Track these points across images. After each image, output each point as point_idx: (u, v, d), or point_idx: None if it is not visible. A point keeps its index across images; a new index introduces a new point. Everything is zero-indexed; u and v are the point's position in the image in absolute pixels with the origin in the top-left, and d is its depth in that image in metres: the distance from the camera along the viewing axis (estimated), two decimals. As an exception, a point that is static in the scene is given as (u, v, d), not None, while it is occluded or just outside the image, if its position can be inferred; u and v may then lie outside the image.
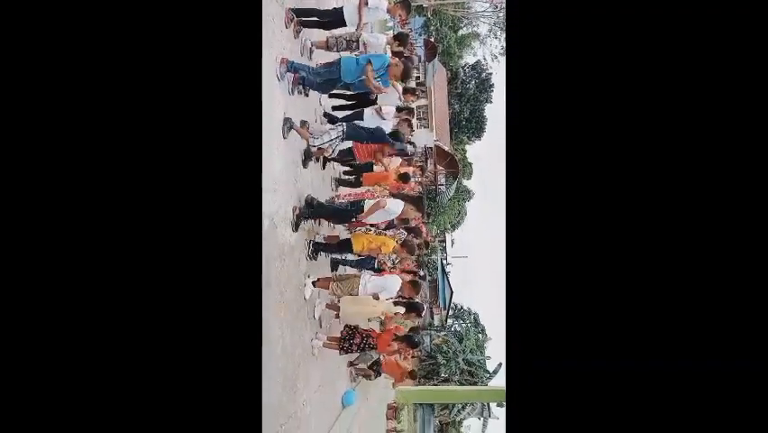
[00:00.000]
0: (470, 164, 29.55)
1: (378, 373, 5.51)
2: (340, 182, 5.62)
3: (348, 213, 4.11)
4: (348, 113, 4.90)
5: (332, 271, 5.16)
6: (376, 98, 4.59)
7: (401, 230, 4.72)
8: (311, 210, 4.06)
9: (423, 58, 19.04)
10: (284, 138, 3.73)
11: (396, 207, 3.96)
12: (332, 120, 4.83)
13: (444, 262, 25.64)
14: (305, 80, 3.82)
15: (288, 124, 3.74)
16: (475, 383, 19.16)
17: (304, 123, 4.13)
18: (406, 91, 4.89)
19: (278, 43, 3.74)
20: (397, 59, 3.90)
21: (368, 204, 3.98)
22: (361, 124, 4.19)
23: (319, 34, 4.76)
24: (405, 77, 3.93)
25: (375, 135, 4.11)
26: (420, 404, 16.94)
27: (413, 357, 4.99)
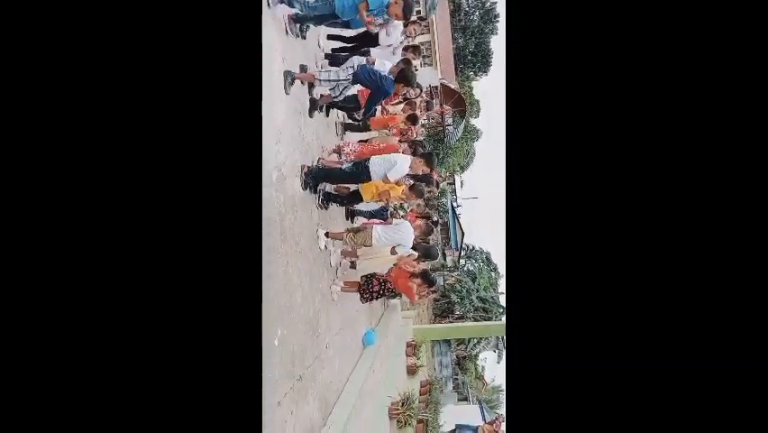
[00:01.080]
0: (478, 101, 28.65)
1: (392, 294, 5.52)
2: (346, 126, 5.49)
3: (356, 175, 3.97)
4: (349, 52, 4.68)
5: (346, 219, 5.18)
6: (377, 35, 4.35)
7: (408, 179, 4.64)
8: (316, 178, 3.94)
9: (423, -11, 17.91)
10: (286, 93, 3.59)
11: (404, 163, 3.84)
12: (334, 61, 4.62)
13: (455, 204, 25.66)
14: (298, 16, 3.61)
15: (289, 78, 3.59)
16: (489, 319, 19.86)
17: (303, 67, 3.97)
18: (406, 24, 4.61)
19: (270, -18, 3.50)
20: (396, 1, 3.63)
21: (373, 163, 3.84)
22: (374, 68, 3.96)
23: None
24: (406, 16, 3.68)
25: (384, 87, 3.89)
26: (437, 340, 17.70)
27: (429, 295, 5.06)
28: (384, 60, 4.16)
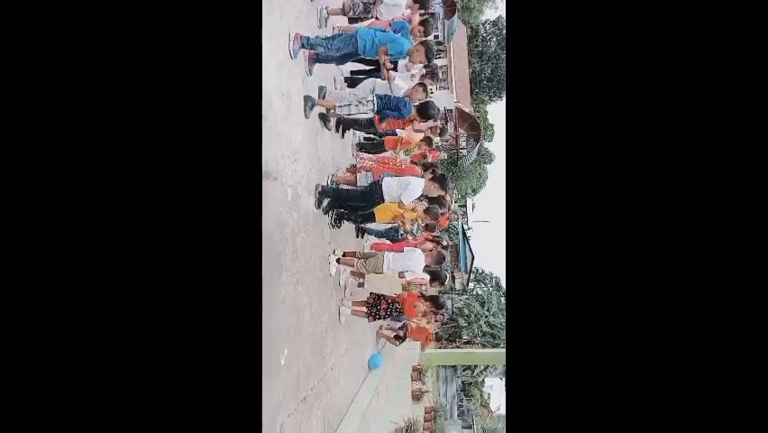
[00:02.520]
0: (492, 125, 28.81)
1: (403, 339, 5.62)
2: (361, 146, 5.54)
3: (369, 196, 3.98)
4: (367, 75, 4.76)
5: (356, 236, 5.19)
6: (396, 63, 4.43)
7: (422, 200, 4.65)
8: (331, 201, 3.96)
9: (441, 15, 18.25)
10: (306, 117, 3.66)
11: (418, 187, 3.85)
12: (353, 83, 4.70)
13: (465, 226, 25.55)
14: (319, 56, 3.70)
15: (309, 103, 3.67)
16: (497, 345, 19.51)
17: (321, 89, 4.04)
18: (423, 76, 4.69)
19: (294, 8, 3.61)
20: (420, 47, 3.72)
21: (387, 184, 3.86)
22: (391, 94, 4.04)
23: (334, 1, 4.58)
24: (429, 60, 3.78)
25: (403, 111, 3.97)
26: (443, 366, 17.40)
27: (436, 321, 5.03)
28: (401, 83, 4.22)
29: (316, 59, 3.74)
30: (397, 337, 5.67)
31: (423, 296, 4.70)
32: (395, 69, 4.10)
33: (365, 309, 4.57)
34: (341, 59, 3.83)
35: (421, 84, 4.34)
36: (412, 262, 4.24)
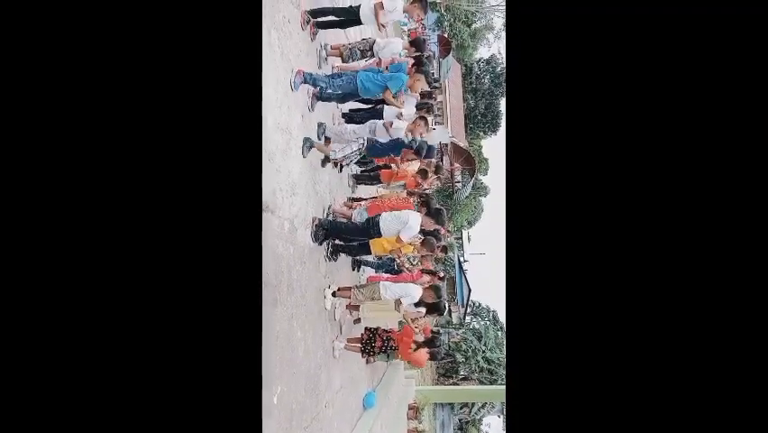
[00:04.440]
0: (486, 160, 29.26)
1: (393, 351, 5.34)
2: (357, 179, 5.59)
3: (365, 231, 4.00)
4: (365, 112, 4.87)
5: (353, 270, 5.15)
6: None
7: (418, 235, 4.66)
8: (327, 232, 3.98)
9: (437, 54, 18.89)
10: (303, 157, 3.73)
11: (416, 222, 3.87)
12: (350, 120, 4.81)
13: (462, 259, 25.48)
14: (322, 93, 3.82)
15: (307, 144, 3.75)
16: (495, 381, 19.05)
17: (321, 125, 4.12)
18: (423, 96, 4.83)
19: (295, 46, 3.74)
20: (418, 75, 3.87)
21: (384, 220, 3.89)
22: (379, 138, 4.16)
23: (335, 36, 4.74)
24: (429, 85, 3.93)
25: (394, 149, 4.08)
26: (440, 403, 16.91)
27: (431, 359, 4.89)
28: (399, 122, 4.32)
29: (319, 96, 3.85)
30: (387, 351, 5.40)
31: (418, 344, 4.58)
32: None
33: (359, 345, 4.49)
34: (341, 98, 3.95)
35: (422, 117, 4.43)
36: (407, 291, 4.22)
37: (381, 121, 4.34)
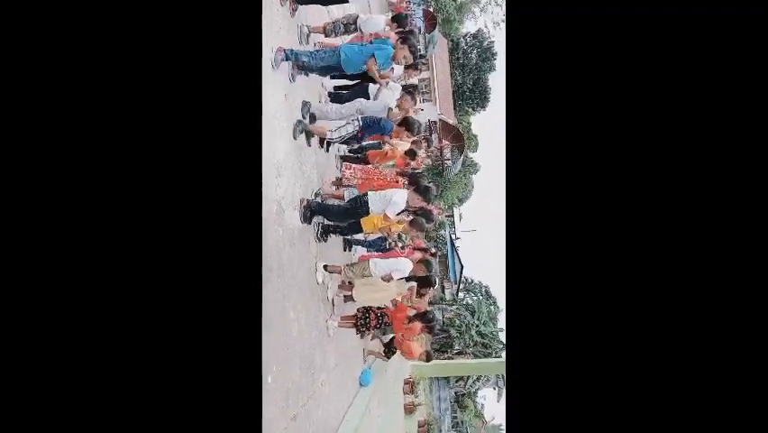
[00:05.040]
0: (476, 136, 29.16)
1: (393, 352, 5.57)
2: (345, 159, 5.55)
3: (354, 211, 3.99)
4: (350, 89, 4.79)
5: (344, 250, 5.16)
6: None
7: (408, 214, 4.66)
8: (315, 212, 3.96)
9: (422, 29, 18.55)
10: (294, 139, 3.67)
11: (401, 199, 3.86)
12: (336, 99, 4.73)
13: (453, 236, 25.65)
14: (306, 65, 3.73)
15: (300, 127, 3.69)
16: (489, 355, 19.46)
17: (305, 104, 4.05)
18: (407, 67, 4.76)
19: (275, 23, 3.63)
20: (402, 45, 3.78)
21: (372, 198, 3.87)
22: (374, 115, 4.09)
23: (318, 15, 4.62)
24: (414, 55, 3.84)
25: (386, 128, 4.03)
26: (435, 378, 17.26)
27: (428, 333, 4.98)
28: (389, 93, 4.26)
29: (301, 67, 3.76)
30: (386, 352, 5.60)
31: (410, 318, 4.65)
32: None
33: (354, 323, 4.53)
34: (323, 70, 3.86)
35: (409, 92, 4.38)
36: (398, 266, 4.24)
37: (370, 102, 4.28)
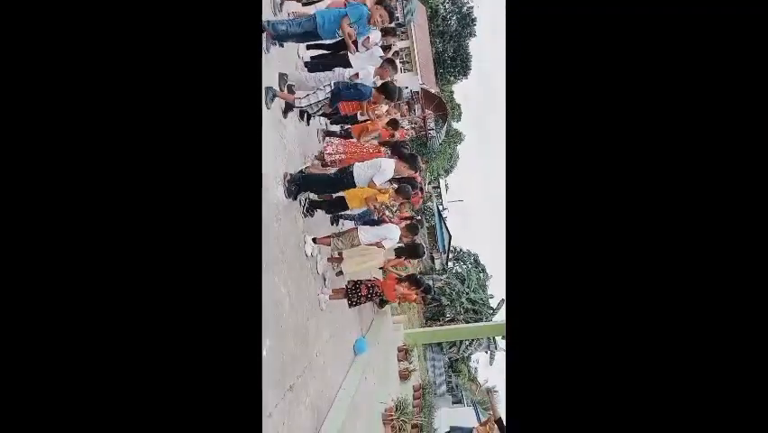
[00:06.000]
0: (459, 105, 28.93)
1: (384, 302, 5.59)
2: (328, 134, 5.48)
3: (339, 181, 3.93)
4: (329, 58, 4.68)
5: (332, 224, 5.16)
6: (356, 44, 4.36)
7: (393, 183, 4.65)
8: (300, 186, 3.91)
9: (400, -4, 18.04)
10: (267, 108, 3.59)
11: (389, 167, 3.83)
12: (314, 68, 4.62)
13: (440, 207, 25.79)
14: (283, 34, 3.61)
15: (270, 94, 3.59)
16: (480, 320, 19.93)
17: (283, 76, 3.96)
18: (385, 33, 4.64)
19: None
20: (377, 5, 3.66)
21: (357, 168, 3.83)
22: (348, 81, 3.99)
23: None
24: (391, 18, 3.72)
25: (363, 94, 3.93)
26: (429, 344, 17.68)
27: (419, 296, 5.06)
28: (367, 66, 4.17)
29: (276, 37, 3.65)
30: (380, 303, 5.62)
31: (400, 279, 4.74)
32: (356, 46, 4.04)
33: (344, 296, 4.58)
34: (301, 37, 3.74)
35: (389, 60, 4.28)
36: (386, 232, 4.26)
37: (348, 70, 4.18)
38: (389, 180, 4.14)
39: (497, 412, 4.39)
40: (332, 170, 4.28)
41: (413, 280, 4.52)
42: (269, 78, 3.73)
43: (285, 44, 4.06)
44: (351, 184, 3.88)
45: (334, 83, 3.84)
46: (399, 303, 5.10)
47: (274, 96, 3.67)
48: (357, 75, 4.12)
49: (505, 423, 4.22)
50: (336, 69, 4.18)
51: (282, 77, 3.95)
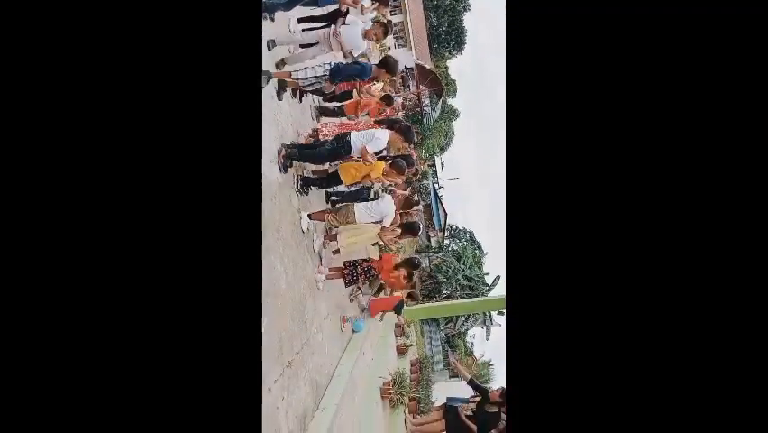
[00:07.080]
0: (454, 81, 28.56)
1: (375, 279, 5.62)
2: (321, 111, 5.41)
3: (334, 151, 3.91)
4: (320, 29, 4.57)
5: (326, 203, 5.15)
6: (347, 12, 4.25)
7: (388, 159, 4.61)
8: (295, 157, 3.88)
9: (393, -32, 17.57)
10: (262, 87, 3.53)
11: (383, 137, 3.79)
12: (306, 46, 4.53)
13: (436, 185, 25.77)
14: (266, 4, 3.52)
15: (266, 75, 3.52)
16: (476, 297, 20.19)
17: (271, 43, 3.87)
18: (379, 3, 4.52)
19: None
20: None
21: (353, 137, 3.79)
22: (348, 61, 3.91)
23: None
24: None
25: (365, 70, 3.86)
26: (426, 320, 17.94)
27: (409, 278, 5.10)
28: (357, 20, 4.04)
29: (265, 9, 3.56)
30: (377, 290, 5.65)
31: (397, 265, 4.74)
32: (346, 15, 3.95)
33: (341, 275, 4.61)
34: (288, 4, 3.65)
35: (381, 24, 4.16)
36: (381, 206, 4.26)
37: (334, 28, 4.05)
38: (385, 159, 4.11)
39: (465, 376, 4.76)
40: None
41: (409, 264, 4.54)
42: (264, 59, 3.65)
43: (275, 17, 3.96)
44: (346, 152, 3.84)
45: (332, 63, 3.79)
46: (391, 291, 5.15)
47: (270, 77, 3.63)
48: (351, 53, 4.03)
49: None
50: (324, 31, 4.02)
51: (269, 42, 3.85)
